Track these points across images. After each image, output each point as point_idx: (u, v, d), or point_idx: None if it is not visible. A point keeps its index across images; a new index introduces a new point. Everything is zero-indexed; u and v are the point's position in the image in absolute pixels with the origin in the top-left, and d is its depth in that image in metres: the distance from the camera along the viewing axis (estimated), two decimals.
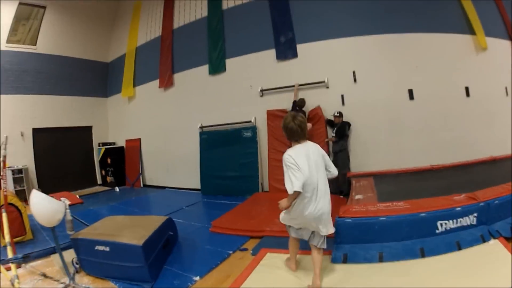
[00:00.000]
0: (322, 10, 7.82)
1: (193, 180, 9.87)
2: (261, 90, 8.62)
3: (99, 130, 14.12)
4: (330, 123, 7.57)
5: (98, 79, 14.29)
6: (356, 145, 7.42)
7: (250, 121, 8.79)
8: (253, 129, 8.64)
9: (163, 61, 11.34)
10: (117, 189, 11.93)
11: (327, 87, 7.70)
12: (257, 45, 8.77)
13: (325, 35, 7.77)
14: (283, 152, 3.20)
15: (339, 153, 7.23)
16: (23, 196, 10.13)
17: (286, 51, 8.21)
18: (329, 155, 7.30)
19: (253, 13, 8.98)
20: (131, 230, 4.10)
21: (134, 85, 12.74)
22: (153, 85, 11.74)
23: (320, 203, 3.08)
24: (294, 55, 8.12)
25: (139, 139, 12.45)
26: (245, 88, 8.98)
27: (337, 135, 7.25)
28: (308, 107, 7.79)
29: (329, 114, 7.57)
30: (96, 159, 13.79)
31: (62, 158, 12.70)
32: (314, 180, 3.07)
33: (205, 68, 9.96)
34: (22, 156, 11.21)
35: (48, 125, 12.20)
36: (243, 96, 9.05)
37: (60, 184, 11.92)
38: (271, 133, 8.34)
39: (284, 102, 8.12)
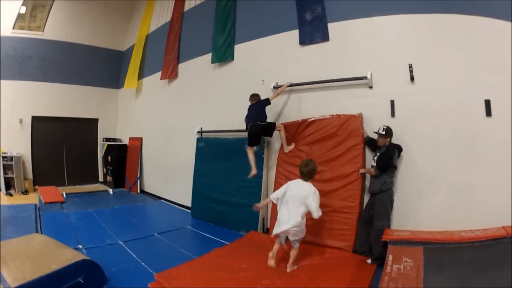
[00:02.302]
0: None
1: (188, 196, 7.35)
2: (275, 87, 5.77)
3: (106, 124, 12.35)
4: (371, 143, 4.65)
5: (111, 68, 12.52)
6: (404, 182, 4.39)
7: None
8: (261, 142, 5.83)
9: (169, 49, 8.89)
10: (110, 191, 10.18)
11: (370, 87, 4.77)
12: (275, 25, 5.99)
13: (368, 10, 4.85)
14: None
15: (379, 195, 4.25)
16: (12, 184, 9.68)
17: (313, 33, 5.33)
18: (363, 194, 4.59)
19: None
20: (24, 264, 3.18)
21: (142, 77, 10.50)
22: (159, 77, 9.36)
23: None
24: (325, 37, 5.22)
25: (141, 139, 10.15)
26: (256, 83, 6.19)
27: (379, 166, 4.27)
28: (335, 110, 4.99)
29: (370, 128, 4.66)
30: (100, 155, 11.96)
31: (62, 150, 11.39)
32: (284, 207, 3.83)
33: (210, 57, 7.36)
34: (19, 143, 10.18)
35: (50, 114, 10.95)
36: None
37: (56, 177, 11.00)
38: (285, 152, 5.51)
39: (308, 105, 5.32)
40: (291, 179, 4.04)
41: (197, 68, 7.86)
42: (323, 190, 4.75)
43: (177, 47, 8.57)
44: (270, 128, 5.27)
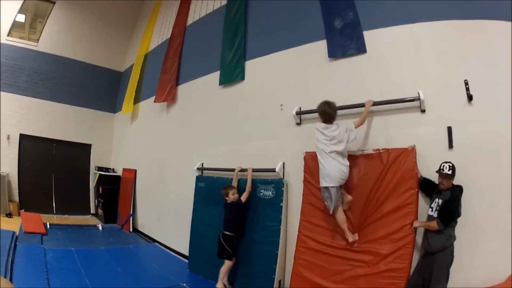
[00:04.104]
0: None
1: (184, 242, 6.15)
2: (298, 113, 4.66)
3: (100, 151, 11.38)
4: (425, 185, 3.59)
5: (107, 90, 11.72)
6: (458, 231, 3.30)
7: (275, 170, 4.78)
8: (278, 184, 4.69)
9: (167, 66, 7.99)
10: (100, 227, 9.08)
11: (423, 110, 3.70)
12: (296, 35, 4.97)
13: (410, 15, 3.93)
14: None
15: (439, 254, 3.23)
16: None
17: (346, 43, 4.28)
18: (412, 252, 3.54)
19: None
20: None
21: (138, 100, 9.54)
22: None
23: None
24: (361, 48, 4.17)
25: (135, 171, 9.10)
26: (272, 109, 5.13)
27: (444, 217, 3.23)
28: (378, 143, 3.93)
29: (426, 166, 3.58)
30: (91, 185, 10.93)
31: (52, 174, 10.46)
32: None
33: (216, 76, 6.33)
34: (4, 161, 9.29)
35: (40, 133, 10.19)
36: (268, 122, 5.17)
37: (44, 203, 10.04)
38: (309, 196, 4.32)
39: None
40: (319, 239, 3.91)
41: (199, 91, 6.89)
42: (366, 250, 3.73)
43: (177, 65, 7.64)
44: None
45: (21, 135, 9.72)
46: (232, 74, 5.89)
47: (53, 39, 10.36)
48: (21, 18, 9.96)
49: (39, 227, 7.63)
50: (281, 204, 4.57)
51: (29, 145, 9.88)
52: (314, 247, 4.09)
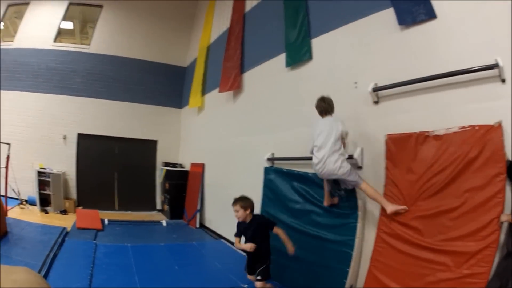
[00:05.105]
0: None
1: None
2: (376, 90, 4.36)
3: (167, 147, 12.15)
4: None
5: (171, 85, 12.47)
6: None
7: (352, 157, 4.42)
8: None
9: (229, 55, 8.29)
10: (163, 223, 9.72)
11: (503, 80, 3.23)
12: (361, 5, 4.81)
13: None
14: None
15: None
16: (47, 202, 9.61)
17: (414, 9, 4.04)
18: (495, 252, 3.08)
19: None
20: None
21: (205, 93, 10.06)
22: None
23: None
24: (430, 13, 3.89)
25: (203, 165, 9.60)
26: (346, 87, 4.90)
27: None
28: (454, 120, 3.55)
29: (507, 146, 3.15)
30: (158, 181, 11.70)
31: (114, 171, 11.58)
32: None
33: (282, 59, 6.42)
34: (61, 160, 10.50)
35: (99, 132, 11.08)
36: (342, 103, 4.71)
37: (105, 200, 11.13)
38: (392, 187, 3.99)
39: (411, 115, 3.98)
40: (400, 235, 3.72)
41: (265, 76, 7.01)
42: (448, 250, 3.36)
43: (239, 52, 7.87)
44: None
45: (79, 134, 10.69)
46: (298, 54, 5.88)
47: (106, 40, 11.25)
48: (68, 25, 10.93)
49: (94, 223, 8.09)
50: (358, 197, 4.33)
51: (88, 144, 10.83)
52: (395, 246, 3.76)
